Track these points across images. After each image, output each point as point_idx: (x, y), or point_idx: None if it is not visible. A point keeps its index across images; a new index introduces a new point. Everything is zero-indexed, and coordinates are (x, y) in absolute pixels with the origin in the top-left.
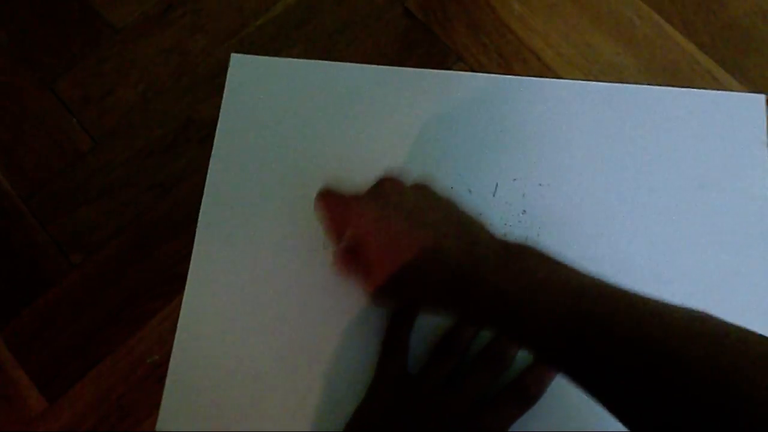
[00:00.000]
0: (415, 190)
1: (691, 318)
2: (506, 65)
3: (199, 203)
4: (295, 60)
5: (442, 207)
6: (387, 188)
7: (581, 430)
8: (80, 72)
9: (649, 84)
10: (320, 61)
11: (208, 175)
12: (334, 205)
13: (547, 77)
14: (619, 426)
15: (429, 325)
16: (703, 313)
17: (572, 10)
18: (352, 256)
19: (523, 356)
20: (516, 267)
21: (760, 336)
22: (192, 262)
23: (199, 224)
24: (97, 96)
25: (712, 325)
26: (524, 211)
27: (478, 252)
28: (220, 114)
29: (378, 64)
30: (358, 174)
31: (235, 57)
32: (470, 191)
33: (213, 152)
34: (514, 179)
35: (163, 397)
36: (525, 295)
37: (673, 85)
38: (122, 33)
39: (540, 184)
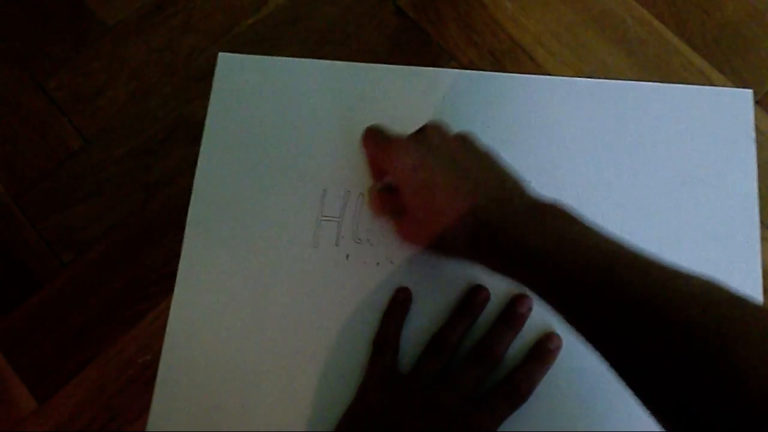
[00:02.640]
0: (457, 140)
1: (706, 287)
2: (498, 64)
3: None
4: (284, 58)
5: (481, 159)
6: (431, 133)
7: (571, 428)
8: (71, 71)
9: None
10: (309, 60)
11: (196, 175)
12: (378, 143)
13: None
14: (610, 425)
15: (419, 324)
16: (712, 281)
17: (565, 9)
18: (388, 197)
19: (513, 355)
20: (544, 223)
21: (760, 306)
22: (181, 262)
23: (187, 224)
24: (88, 95)
25: (717, 293)
26: None
27: (510, 206)
28: (208, 113)
29: (370, 62)
30: (348, 172)
31: (222, 56)
32: None
33: (201, 152)
34: None
35: (153, 397)
36: (549, 250)
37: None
38: (113, 31)
39: (529, 181)
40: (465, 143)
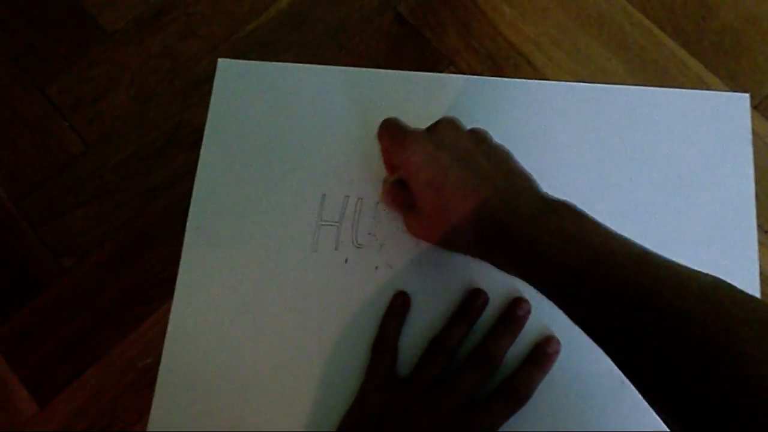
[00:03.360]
0: (470, 135)
1: (713, 284)
2: (497, 70)
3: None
4: (283, 64)
5: (493, 155)
6: (444, 129)
7: (570, 430)
8: (72, 76)
9: None
10: (308, 65)
11: (195, 180)
12: (393, 136)
13: None
14: (608, 428)
15: (418, 327)
16: (722, 281)
17: (563, 14)
18: (399, 190)
19: (511, 358)
20: (550, 220)
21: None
22: (181, 266)
23: (187, 229)
24: (89, 100)
25: (729, 293)
26: None
27: (518, 203)
28: (208, 119)
29: (370, 68)
30: (347, 177)
31: (222, 62)
32: None
33: (201, 157)
34: None
35: (153, 401)
36: (557, 248)
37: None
38: (114, 37)
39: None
40: (478, 140)
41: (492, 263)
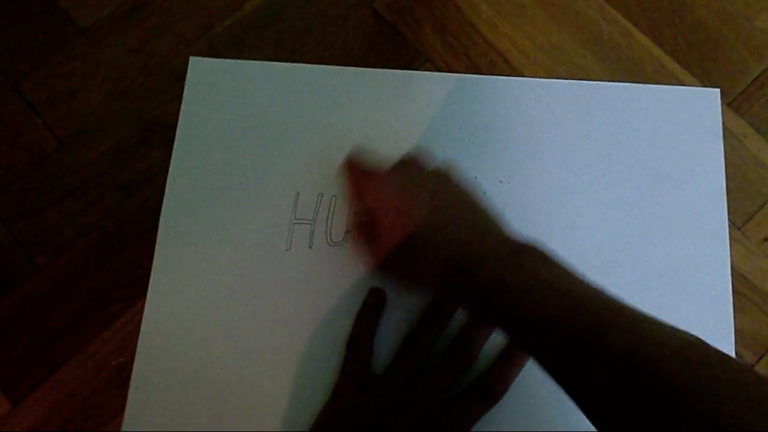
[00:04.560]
0: (436, 175)
1: (683, 343)
2: (473, 67)
3: None
4: (255, 62)
5: (460, 195)
6: (409, 168)
7: (545, 427)
8: (46, 72)
9: None
10: (280, 63)
11: (168, 178)
12: (357, 176)
13: None
14: (584, 424)
15: (393, 324)
16: (696, 338)
17: (539, 12)
18: (365, 227)
19: (487, 354)
20: (520, 263)
21: (744, 366)
22: (154, 264)
23: (160, 226)
24: (63, 96)
25: (702, 351)
26: None
27: (486, 243)
28: (180, 117)
29: (346, 65)
30: (321, 175)
31: (193, 60)
32: None
33: (173, 155)
34: (475, 177)
35: (128, 399)
36: (523, 291)
37: None
38: (88, 33)
39: (500, 181)
40: (444, 178)
41: (460, 303)
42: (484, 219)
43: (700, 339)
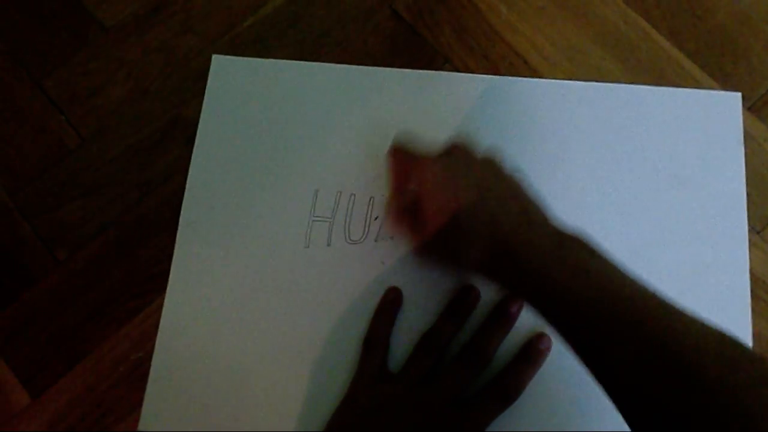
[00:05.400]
0: (483, 161)
1: (726, 344)
2: (493, 68)
3: None
4: (277, 61)
5: (506, 181)
6: (456, 155)
7: (560, 429)
8: (69, 70)
9: None
10: (302, 62)
11: (188, 176)
12: (404, 159)
13: None
14: (600, 426)
15: (410, 323)
16: (736, 339)
17: (559, 14)
18: (407, 215)
19: (502, 355)
20: (565, 254)
21: None
22: (173, 261)
23: (180, 224)
24: (86, 94)
25: (742, 354)
26: None
27: (532, 232)
28: (201, 115)
29: (366, 65)
30: (340, 173)
31: (216, 58)
32: None
33: (194, 152)
34: None
35: (146, 394)
36: (568, 282)
37: None
38: (111, 31)
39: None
40: (491, 166)
41: (504, 287)
42: (530, 207)
43: (739, 340)
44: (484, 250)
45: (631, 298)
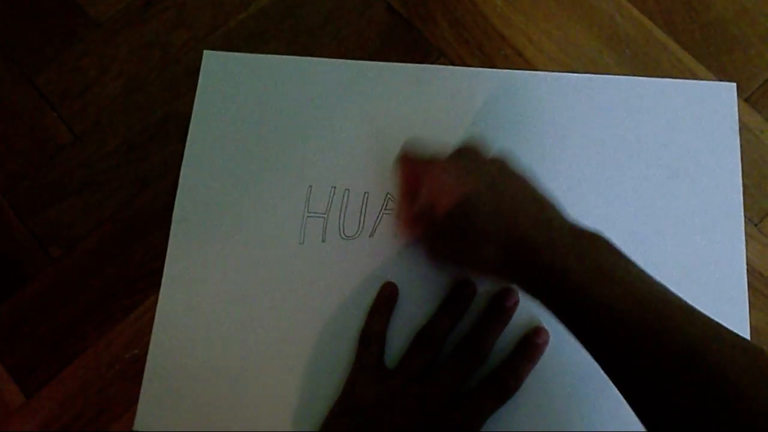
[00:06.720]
0: (494, 162)
1: (746, 349)
2: (488, 61)
3: None
4: (269, 56)
5: (520, 181)
6: (467, 157)
7: (557, 424)
8: (61, 66)
9: None
10: (293, 57)
11: (181, 172)
12: (414, 164)
13: None
14: (597, 420)
15: (406, 318)
16: (756, 344)
17: (554, 6)
18: (419, 219)
19: (500, 349)
20: (582, 251)
21: None
22: (167, 258)
23: (173, 220)
24: (78, 90)
25: (762, 355)
26: None
27: (549, 228)
28: (193, 110)
29: (360, 59)
30: (334, 169)
31: (207, 54)
32: None
33: (186, 148)
34: None
35: (141, 392)
36: (585, 280)
37: None
38: (103, 27)
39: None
40: (503, 167)
41: (519, 286)
42: (545, 206)
43: (758, 345)
44: (500, 250)
45: (656, 302)
